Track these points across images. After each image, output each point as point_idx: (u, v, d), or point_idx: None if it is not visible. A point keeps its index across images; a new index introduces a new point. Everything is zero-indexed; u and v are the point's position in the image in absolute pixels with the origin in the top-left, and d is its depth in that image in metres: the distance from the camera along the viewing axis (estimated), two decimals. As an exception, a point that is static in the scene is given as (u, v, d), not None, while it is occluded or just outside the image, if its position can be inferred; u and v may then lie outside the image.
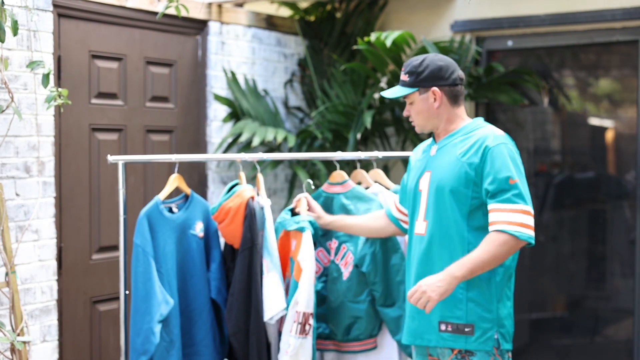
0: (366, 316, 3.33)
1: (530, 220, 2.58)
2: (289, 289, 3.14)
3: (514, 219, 2.55)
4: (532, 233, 2.58)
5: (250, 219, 3.18)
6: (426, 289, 2.55)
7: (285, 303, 3.23)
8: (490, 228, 2.59)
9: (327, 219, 3.19)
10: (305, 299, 3.03)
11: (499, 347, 2.69)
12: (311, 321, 3.05)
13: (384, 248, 3.26)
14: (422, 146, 2.95)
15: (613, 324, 5.01)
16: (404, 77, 2.79)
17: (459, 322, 2.66)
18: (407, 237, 3.01)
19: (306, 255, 3.05)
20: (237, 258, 3.22)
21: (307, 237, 3.07)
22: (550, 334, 5.09)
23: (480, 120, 2.79)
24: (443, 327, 2.68)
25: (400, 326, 3.27)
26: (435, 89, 2.73)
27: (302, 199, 3.21)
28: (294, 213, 3.26)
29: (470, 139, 2.69)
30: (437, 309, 2.68)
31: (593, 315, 5.05)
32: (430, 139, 2.90)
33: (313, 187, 3.26)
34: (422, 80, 2.73)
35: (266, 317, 3.21)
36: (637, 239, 4.51)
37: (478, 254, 2.56)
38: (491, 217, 2.59)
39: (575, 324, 5.11)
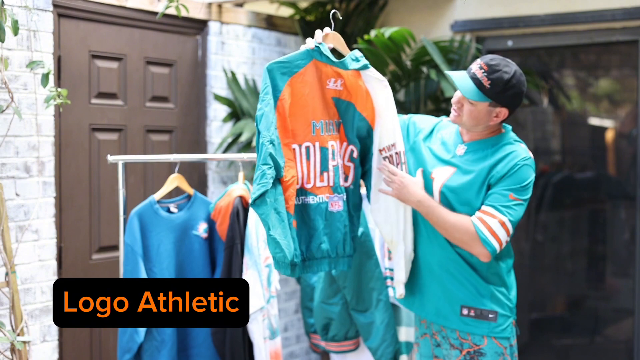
0: (338, 318, 3.35)
1: (503, 235, 2.62)
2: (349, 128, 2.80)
3: (490, 223, 2.60)
4: (496, 246, 2.62)
5: (234, 218, 3.19)
6: (398, 185, 2.71)
7: (264, 302, 3.22)
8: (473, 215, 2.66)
9: None
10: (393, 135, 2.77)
11: (512, 343, 2.74)
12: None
13: (358, 253, 3.24)
14: (449, 129, 2.85)
15: (613, 324, 5.01)
16: (484, 80, 2.60)
17: (483, 308, 2.69)
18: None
19: (381, 95, 2.76)
20: (223, 257, 3.24)
21: (372, 74, 2.75)
22: (550, 334, 5.09)
23: (512, 133, 2.77)
24: (465, 311, 2.72)
25: (372, 332, 3.28)
26: (505, 110, 2.65)
27: (332, 32, 2.76)
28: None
29: (503, 152, 2.67)
30: (459, 293, 2.72)
31: (593, 315, 5.05)
32: (453, 126, 2.83)
33: (340, 17, 2.85)
34: (502, 98, 2.61)
35: None
36: (637, 239, 4.51)
37: (442, 215, 2.66)
38: (476, 213, 2.65)
39: (575, 324, 5.11)
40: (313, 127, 2.70)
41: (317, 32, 2.72)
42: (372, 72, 2.74)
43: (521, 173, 2.63)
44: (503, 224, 2.60)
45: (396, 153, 2.73)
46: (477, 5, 4.75)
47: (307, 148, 2.70)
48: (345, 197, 2.77)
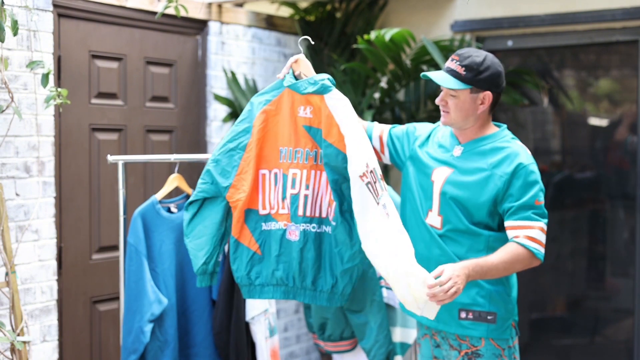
0: (333, 318, 3.35)
1: (544, 238, 2.65)
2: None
3: (534, 235, 2.62)
4: (543, 251, 2.65)
5: None
6: (458, 284, 2.47)
7: (267, 304, 3.22)
8: (512, 240, 2.64)
9: None
10: (363, 160, 2.58)
11: (510, 344, 2.73)
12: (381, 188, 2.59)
13: None
14: (441, 131, 2.87)
15: (613, 324, 5.01)
16: (459, 68, 2.66)
17: (481, 310, 2.69)
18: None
19: (344, 117, 2.62)
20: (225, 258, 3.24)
21: (335, 96, 2.66)
22: (550, 334, 5.09)
23: (507, 130, 2.79)
24: (463, 314, 2.72)
25: (366, 332, 3.28)
26: (488, 93, 2.68)
27: (301, 58, 2.77)
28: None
29: (502, 151, 2.69)
30: (457, 297, 2.70)
31: (593, 315, 5.05)
32: (449, 129, 2.84)
33: (312, 41, 2.89)
34: (480, 80, 2.65)
35: (248, 317, 3.23)
36: (636, 239, 4.51)
37: (495, 263, 2.59)
38: (513, 232, 2.64)
39: (575, 324, 5.11)
40: (280, 153, 2.76)
41: (289, 60, 2.76)
42: (333, 94, 2.66)
43: (531, 176, 2.65)
44: (542, 230, 2.64)
45: (371, 172, 2.58)
46: (477, 5, 4.75)
47: (275, 174, 2.76)
48: (308, 228, 2.73)
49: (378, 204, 2.55)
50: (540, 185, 2.67)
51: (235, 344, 3.21)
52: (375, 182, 2.57)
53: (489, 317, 2.70)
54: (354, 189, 2.56)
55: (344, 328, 3.40)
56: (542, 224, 2.63)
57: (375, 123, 3.02)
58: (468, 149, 2.74)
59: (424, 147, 2.84)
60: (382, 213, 2.55)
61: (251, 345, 3.29)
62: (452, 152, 2.77)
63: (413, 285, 2.48)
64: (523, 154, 2.68)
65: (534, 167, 2.68)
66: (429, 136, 2.88)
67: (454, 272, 2.47)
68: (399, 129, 2.95)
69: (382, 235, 2.53)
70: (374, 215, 2.55)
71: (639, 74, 4.50)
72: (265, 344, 3.27)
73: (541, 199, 2.66)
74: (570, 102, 5.06)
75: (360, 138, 2.62)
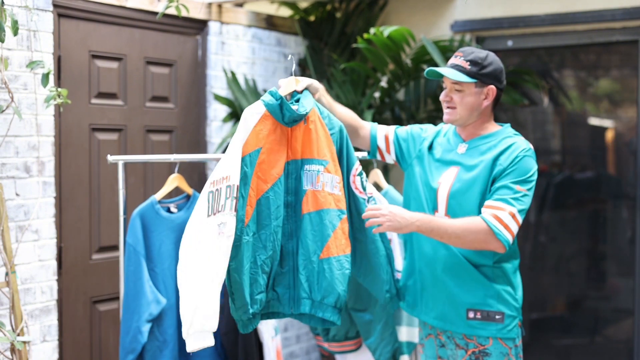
0: None
1: (514, 226, 2.63)
2: None
3: (501, 217, 2.61)
4: (509, 238, 2.63)
5: None
6: (389, 216, 2.60)
7: None
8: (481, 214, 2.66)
9: (317, 85, 2.86)
10: (218, 166, 2.57)
11: (517, 343, 2.75)
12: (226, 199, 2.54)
13: (354, 252, 3.23)
14: (443, 132, 2.92)
15: (613, 324, 5.01)
16: (463, 63, 2.73)
17: (489, 310, 2.70)
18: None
19: (238, 129, 2.64)
20: None
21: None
22: (550, 334, 5.09)
23: (510, 128, 2.84)
24: (471, 314, 2.73)
25: (371, 331, 3.28)
26: (492, 87, 2.76)
27: (280, 84, 2.82)
28: None
29: (504, 142, 2.74)
30: (465, 297, 2.73)
31: (593, 315, 5.05)
32: (451, 129, 2.89)
33: (290, 57, 2.91)
34: (485, 75, 2.73)
35: None
36: (636, 239, 4.51)
37: (445, 224, 2.63)
38: (483, 210, 2.65)
39: (575, 324, 5.12)
40: None
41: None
42: None
43: (524, 164, 2.68)
44: (513, 216, 2.63)
45: (227, 186, 2.55)
46: (477, 5, 4.75)
47: None
48: None
49: (209, 215, 2.52)
50: (528, 175, 2.67)
51: (243, 344, 3.21)
52: (220, 198, 2.52)
53: (497, 317, 2.71)
54: (204, 189, 2.58)
55: (349, 328, 3.40)
56: (515, 210, 2.62)
57: (378, 124, 3.05)
58: (472, 146, 2.78)
59: (430, 151, 2.88)
60: (210, 227, 2.50)
61: (258, 345, 3.30)
62: (456, 149, 2.80)
63: (199, 312, 2.48)
64: (524, 146, 2.73)
65: (529, 159, 2.70)
66: (433, 140, 2.92)
67: (390, 207, 2.61)
68: (403, 129, 3.00)
69: (200, 246, 2.50)
70: (199, 223, 2.52)
71: (639, 74, 4.49)
72: (271, 343, 3.28)
73: (523, 187, 2.65)
74: (570, 102, 5.06)
75: (237, 152, 2.59)
